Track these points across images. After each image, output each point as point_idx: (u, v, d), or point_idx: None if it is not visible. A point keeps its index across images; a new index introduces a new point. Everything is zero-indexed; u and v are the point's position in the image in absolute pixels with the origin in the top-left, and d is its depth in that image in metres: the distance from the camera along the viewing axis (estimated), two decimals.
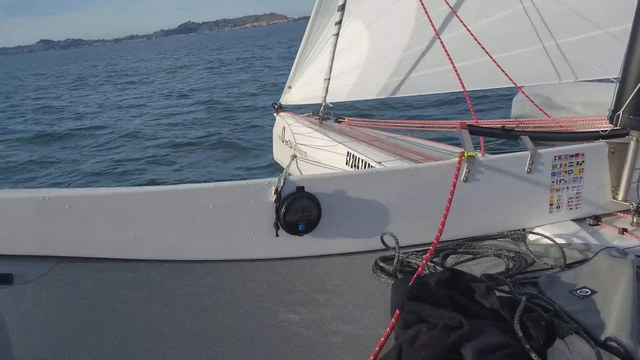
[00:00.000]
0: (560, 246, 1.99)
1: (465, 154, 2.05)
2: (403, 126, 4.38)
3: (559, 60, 3.63)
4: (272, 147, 6.19)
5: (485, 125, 2.42)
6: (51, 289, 1.59)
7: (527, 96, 3.78)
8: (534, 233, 2.20)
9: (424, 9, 3.48)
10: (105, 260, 1.75)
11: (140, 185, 8.20)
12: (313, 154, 4.46)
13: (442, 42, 3.38)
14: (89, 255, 1.74)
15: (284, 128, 5.42)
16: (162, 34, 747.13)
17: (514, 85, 3.54)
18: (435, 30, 3.45)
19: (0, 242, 1.61)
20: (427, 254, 1.73)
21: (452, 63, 3.22)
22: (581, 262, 1.88)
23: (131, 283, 1.70)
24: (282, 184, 1.90)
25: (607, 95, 2.46)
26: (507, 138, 2.34)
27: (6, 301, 1.50)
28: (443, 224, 1.81)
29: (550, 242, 2.09)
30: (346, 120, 5.09)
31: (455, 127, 2.28)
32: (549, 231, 2.22)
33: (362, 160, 3.68)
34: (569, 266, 1.86)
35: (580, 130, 2.51)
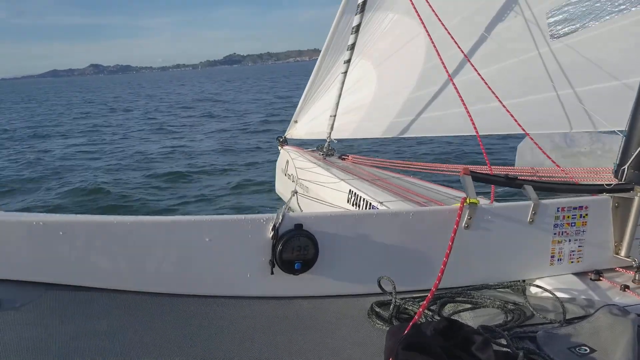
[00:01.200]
0: (560, 300, 1.95)
1: (468, 201, 2.03)
2: (407, 167, 4.37)
3: (572, 109, 3.63)
4: (274, 179, 6.20)
5: (487, 173, 2.40)
6: (38, 316, 1.55)
7: (536, 143, 3.76)
8: (534, 285, 2.16)
9: (437, 51, 3.50)
10: (95, 290, 1.72)
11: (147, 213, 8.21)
12: (315, 189, 4.44)
13: (455, 85, 3.38)
14: (79, 283, 1.70)
15: (287, 162, 5.43)
16: (207, 64, 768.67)
17: (522, 132, 3.53)
18: (448, 72, 3.46)
19: None
20: (425, 302, 1.69)
21: (465, 106, 3.21)
22: (581, 317, 1.84)
23: (119, 315, 1.67)
24: (280, 220, 1.87)
25: (616, 147, 2.45)
26: (509, 187, 2.31)
27: None
28: (442, 271, 1.77)
29: (550, 295, 2.05)
30: (350, 157, 5.10)
31: (459, 172, 2.26)
32: (550, 284, 2.18)
33: (364, 199, 3.66)
34: (569, 321, 1.82)
35: (585, 182, 2.49)
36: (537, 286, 2.15)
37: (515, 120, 3.31)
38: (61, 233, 1.65)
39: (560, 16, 3.70)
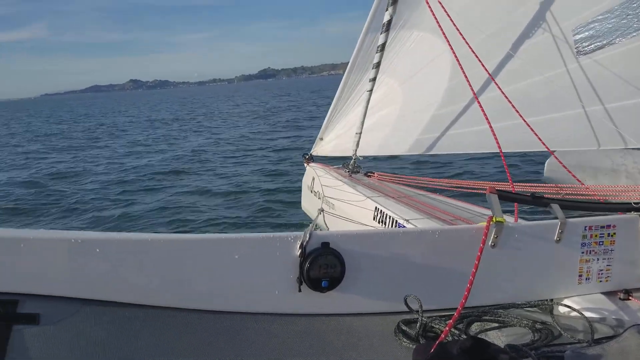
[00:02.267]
0: (588, 320, 1.94)
1: (494, 219, 2.04)
2: (433, 184, 4.37)
3: (599, 126, 3.60)
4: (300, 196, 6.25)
5: (514, 191, 2.40)
6: (75, 331, 1.61)
7: (560, 162, 3.74)
8: (561, 304, 2.15)
9: (462, 69, 3.51)
10: (130, 306, 1.77)
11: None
12: (341, 206, 4.47)
13: (479, 103, 3.39)
14: (114, 299, 1.76)
15: (313, 179, 5.48)
16: (243, 78, 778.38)
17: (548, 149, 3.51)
18: (472, 90, 3.47)
19: (30, 282, 1.64)
20: (451, 320, 1.70)
21: (489, 124, 3.22)
22: (610, 337, 1.83)
23: (152, 330, 1.71)
24: (307, 238, 1.90)
25: None
26: (536, 205, 2.31)
27: (31, 341, 1.53)
28: (468, 290, 1.78)
29: (579, 314, 2.04)
30: (376, 174, 5.12)
31: (485, 189, 2.27)
32: (577, 303, 2.16)
33: (390, 216, 3.67)
34: (597, 341, 1.81)
35: (612, 201, 2.47)
36: (565, 305, 2.14)
37: (539, 138, 3.30)
38: (97, 250, 1.71)
39: (587, 33, 3.69)
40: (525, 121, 3.41)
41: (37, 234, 1.68)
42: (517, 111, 3.46)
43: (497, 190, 2.18)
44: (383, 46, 4.48)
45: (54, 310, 1.65)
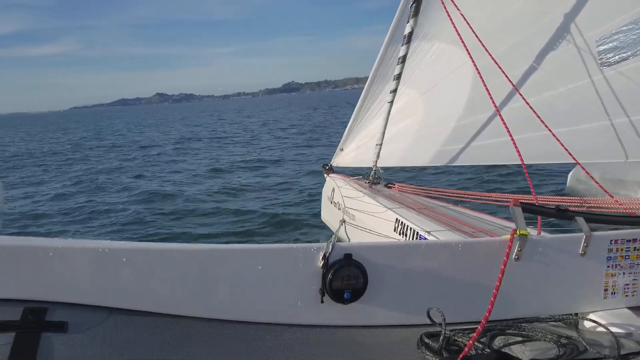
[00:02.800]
0: (614, 335, 1.91)
1: (518, 232, 2.02)
2: (454, 196, 4.35)
3: (627, 138, 3.56)
4: (320, 207, 6.25)
5: (538, 204, 2.38)
6: (102, 340, 1.63)
7: (587, 173, 3.69)
8: (587, 319, 2.12)
9: (482, 80, 3.50)
10: (155, 315, 1.79)
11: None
12: (361, 218, 4.47)
13: (499, 114, 3.36)
14: (139, 308, 1.78)
15: (333, 189, 5.48)
16: (267, 92, 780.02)
17: (574, 161, 3.48)
18: (493, 101, 3.45)
19: (58, 290, 1.68)
20: (475, 334, 1.69)
21: (510, 135, 3.19)
22: (636, 353, 1.80)
23: (177, 339, 1.73)
24: (330, 250, 1.91)
25: None
26: (561, 218, 2.29)
27: (59, 349, 1.55)
28: (492, 304, 1.77)
29: (604, 329, 2.01)
30: (396, 185, 5.11)
31: (508, 202, 2.26)
32: (603, 318, 2.13)
33: (411, 228, 3.66)
34: (624, 357, 1.78)
35: (637, 215, 2.44)
36: (591, 320, 2.11)
37: (566, 149, 3.27)
38: (124, 259, 1.73)
39: (611, 44, 3.66)
40: (551, 131, 3.38)
41: (66, 243, 1.72)
42: (543, 121, 3.43)
43: (521, 202, 2.17)
44: (404, 58, 4.49)
45: (82, 319, 1.67)
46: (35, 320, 1.60)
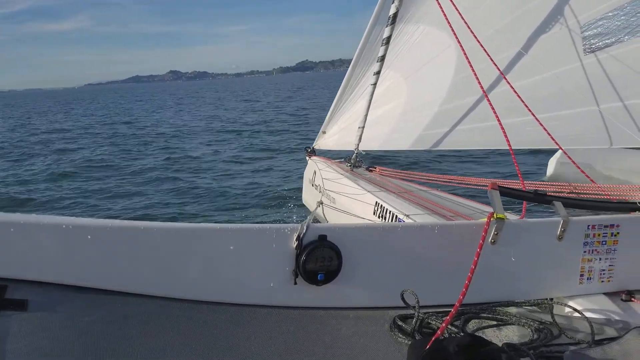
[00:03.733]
0: (589, 320, 1.90)
1: (495, 216, 2.00)
2: (434, 180, 4.32)
3: (610, 124, 3.54)
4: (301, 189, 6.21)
5: (515, 187, 2.36)
6: (64, 318, 1.58)
7: (569, 158, 3.68)
8: (561, 304, 2.11)
9: (469, 63, 3.46)
10: (122, 294, 1.74)
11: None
12: (341, 200, 4.43)
13: (488, 99, 3.33)
14: (105, 287, 1.73)
15: (314, 172, 5.44)
16: (280, 70, 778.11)
17: (557, 147, 3.46)
18: (481, 86, 3.41)
19: (19, 267, 1.61)
20: (448, 317, 1.67)
21: (499, 119, 3.16)
22: (611, 339, 1.79)
23: (144, 319, 1.68)
24: (304, 230, 1.87)
25: None
26: (539, 202, 2.27)
27: (18, 327, 1.50)
28: (467, 287, 1.75)
29: (579, 315, 2.00)
30: (377, 169, 5.08)
31: (486, 186, 2.23)
32: (578, 303, 2.13)
33: (390, 211, 3.63)
34: (598, 343, 1.77)
35: (617, 200, 2.43)
36: (566, 305, 2.10)
37: (549, 135, 3.25)
38: (89, 237, 1.67)
39: (595, 30, 3.64)
40: (536, 117, 3.36)
41: (28, 218, 1.65)
42: (527, 106, 3.40)
43: (498, 186, 2.14)
44: (388, 39, 4.43)
45: (43, 297, 1.62)
46: None
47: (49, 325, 1.54)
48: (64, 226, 1.65)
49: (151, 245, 1.76)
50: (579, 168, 3.40)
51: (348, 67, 5.25)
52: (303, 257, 1.86)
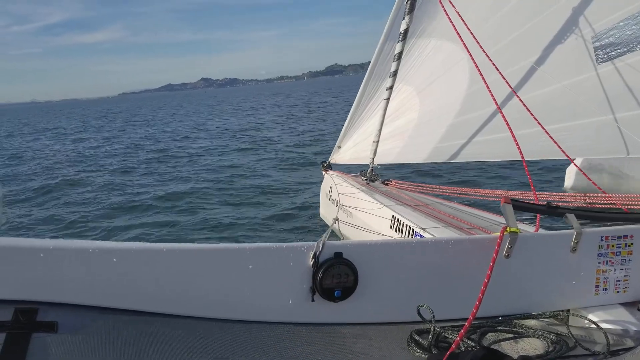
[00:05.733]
0: (604, 331, 1.91)
1: (508, 230, 2.02)
2: (450, 192, 4.35)
3: (623, 134, 3.54)
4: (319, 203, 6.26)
5: (528, 201, 2.38)
6: (92, 340, 1.64)
7: (580, 170, 3.70)
8: (577, 315, 2.12)
9: (481, 75, 3.49)
10: (146, 314, 1.80)
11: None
12: (357, 215, 4.47)
13: (501, 111, 3.36)
14: (130, 307, 1.78)
15: (331, 187, 5.49)
16: (310, 75, 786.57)
17: (573, 157, 3.46)
18: (494, 98, 3.44)
19: (49, 290, 1.68)
20: (462, 331, 1.70)
21: (511, 130, 3.18)
22: (627, 349, 1.80)
23: (167, 339, 1.74)
24: (320, 248, 1.91)
25: None
26: (551, 215, 2.29)
27: (49, 349, 1.56)
28: (480, 300, 1.77)
29: (595, 326, 2.01)
30: (393, 182, 5.11)
31: (500, 198, 2.26)
32: (594, 314, 2.13)
33: (407, 225, 3.66)
34: (613, 353, 1.79)
35: (629, 211, 2.44)
36: (581, 316, 2.11)
37: (559, 146, 3.27)
38: (114, 259, 1.74)
39: (607, 40, 3.65)
40: (543, 128, 3.38)
41: (57, 243, 1.72)
42: (535, 118, 3.43)
43: (511, 200, 2.17)
44: (400, 55, 4.49)
45: (72, 319, 1.68)
46: (26, 321, 1.60)
47: (79, 346, 1.60)
48: (90, 250, 1.72)
49: (173, 266, 1.81)
50: (588, 179, 3.41)
51: None
52: (320, 275, 1.91)
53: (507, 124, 3.23)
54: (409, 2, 4.22)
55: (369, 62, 5.25)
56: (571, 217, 2.16)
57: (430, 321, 1.85)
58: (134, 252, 1.78)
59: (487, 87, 3.46)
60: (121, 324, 1.73)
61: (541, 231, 2.67)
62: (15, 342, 1.54)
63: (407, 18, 4.28)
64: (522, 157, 3.12)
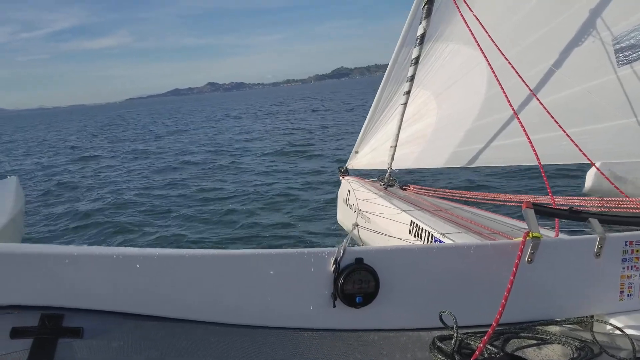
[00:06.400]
0: (629, 337, 1.89)
1: (530, 235, 2.01)
2: (469, 197, 4.32)
3: None
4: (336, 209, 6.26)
5: (551, 206, 2.36)
6: (117, 345, 1.66)
7: (602, 173, 3.66)
8: (602, 321, 2.09)
9: (497, 81, 3.47)
10: (168, 320, 1.81)
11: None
12: (376, 220, 4.46)
13: (517, 116, 3.33)
14: (154, 313, 1.80)
15: (348, 192, 5.49)
16: (316, 78, 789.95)
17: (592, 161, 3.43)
18: (510, 103, 3.42)
19: (74, 296, 1.70)
20: (485, 337, 1.68)
21: (528, 136, 3.16)
22: None
23: (190, 344, 1.75)
24: (341, 254, 1.91)
25: None
26: (574, 220, 2.27)
27: (75, 354, 1.58)
28: (503, 306, 1.76)
29: (620, 332, 1.98)
30: (411, 187, 5.10)
31: (522, 203, 2.24)
32: (619, 320, 2.10)
33: (426, 230, 3.65)
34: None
35: None
36: (606, 322, 2.08)
37: (580, 150, 3.23)
38: (138, 265, 1.75)
39: (628, 42, 3.62)
40: (565, 132, 3.35)
41: (81, 250, 1.74)
42: (557, 122, 3.40)
43: (533, 204, 2.15)
44: (417, 59, 4.48)
45: (97, 325, 1.70)
46: (53, 327, 1.63)
47: (103, 351, 1.62)
48: (114, 256, 1.74)
49: (195, 272, 1.83)
50: (610, 182, 3.37)
51: (384, 72, 5.30)
52: (341, 280, 1.91)
53: (523, 128, 3.21)
54: (425, 6, 4.22)
55: (375, 65, 5.32)
56: (594, 222, 2.14)
57: (452, 327, 1.84)
58: (157, 258, 1.79)
59: (503, 91, 3.44)
60: (145, 330, 1.75)
61: (563, 236, 2.65)
62: (42, 348, 1.56)
63: (424, 22, 4.27)
64: (539, 161, 3.10)
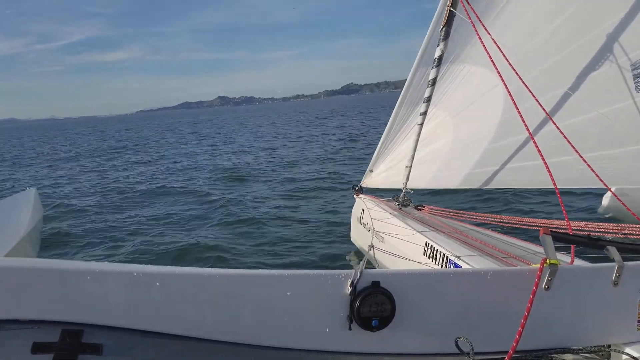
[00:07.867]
0: None
1: (548, 262, 2.00)
2: (485, 219, 4.31)
3: None
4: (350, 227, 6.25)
5: (568, 233, 2.35)
6: None
7: (618, 199, 3.63)
8: (619, 351, 2.07)
9: (514, 104, 3.47)
10: (186, 339, 1.82)
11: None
12: (390, 240, 4.45)
13: (533, 139, 3.32)
14: (171, 332, 1.81)
15: (362, 211, 5.49)
16: (326, 94, 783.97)
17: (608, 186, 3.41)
18: (526, 126, 3.42)
19: (94, 312, 1.72)
20: None
21: (544, 159, 3.15)
22: None
23: None
24: (358, 277, 1.92)
25: None
26: (592, 247, 2.25)
27: None
28: (520, 334, 1.76)
29: None
30: (426, 208, 5.09)
31: (539, 227, 2.23)
32: (636, 350, 2.08)
33: (441, 252, 3.63)
34: None
35: None
36: (623, 352, 2.06)
37: (597, 175, 3.21)
38: (157, 283, 1.77)
39: None
40: (581, 156, 3.33)
41: (103, 266, 1.76)
42: (573, 146, 3.38)
43: (551, 231, 2.14)
44: (434, 80, 4.50)
45: (116, 341, 1.71)
46: (73, 342, 1.64)
47: None
48: (135, 274, 1.76)
49: (214, 291, 1.84)
50: (628, 210, 3.34)
51: (393, 89, 5.34)
52: (357, 303, 1.91)
53: (539, 151, 3.20)
54: (443, 29, 4.24)
55: (385, 82, 5.32)
56: (612, 250, 2.12)
57: (469, 354, 1.83)
58: (176, 276, 1.81)
59: (520, 114, 3.43)
60: (162, 348, 1.76)
61: (580, 262, 2.63)
62: None
63: (441, 45, 4.30)
64: (555, 185, 3.08)
